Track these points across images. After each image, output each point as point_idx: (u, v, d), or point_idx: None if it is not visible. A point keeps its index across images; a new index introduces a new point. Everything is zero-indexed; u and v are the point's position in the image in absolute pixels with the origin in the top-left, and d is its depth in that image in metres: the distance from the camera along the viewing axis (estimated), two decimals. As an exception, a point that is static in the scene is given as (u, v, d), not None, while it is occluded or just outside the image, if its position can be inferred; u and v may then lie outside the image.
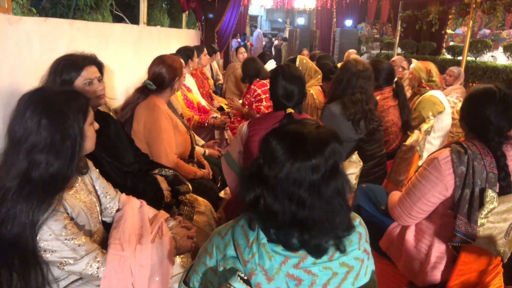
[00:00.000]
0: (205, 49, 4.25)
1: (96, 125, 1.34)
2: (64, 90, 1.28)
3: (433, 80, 2.99)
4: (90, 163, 1.45)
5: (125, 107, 2.23)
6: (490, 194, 1.37)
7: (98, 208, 1.41)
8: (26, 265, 1.14)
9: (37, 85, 1.63)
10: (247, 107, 3.69)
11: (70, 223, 1.21)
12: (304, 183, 0.89)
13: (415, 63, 4.19)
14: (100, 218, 1.43)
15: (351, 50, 5.67)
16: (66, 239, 1.17)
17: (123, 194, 1.56)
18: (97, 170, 1.49)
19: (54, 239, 1.16)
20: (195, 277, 1.05)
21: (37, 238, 1.14)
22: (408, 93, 3.60)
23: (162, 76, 2.17)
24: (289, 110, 1.84)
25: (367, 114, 2.36)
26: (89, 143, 1.30)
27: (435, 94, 2.90)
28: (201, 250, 1.07)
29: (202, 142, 3.01)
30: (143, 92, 2.18)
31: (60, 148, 1.18)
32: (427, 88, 2.98)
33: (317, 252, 0.93)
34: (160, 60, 2.20)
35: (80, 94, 1.29)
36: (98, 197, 1.45)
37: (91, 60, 1.68)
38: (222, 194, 2.46)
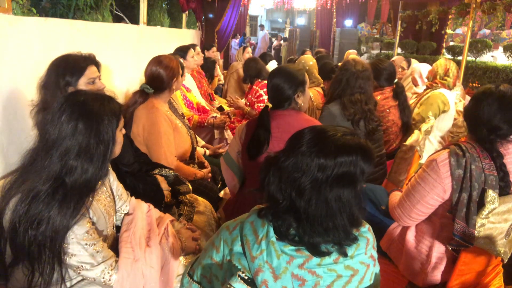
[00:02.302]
0: (190, 51, 3.53)
1: (124, 131, 1.35)
2: (99, 95, 1.28)
3: (447, 79, 2.99)
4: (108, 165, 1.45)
5: (124, 111, 2.21)
6: (491, 194, 1.36)
7: (113, 212, 1.42)
8: (52, 266, 1.15)
9: (36, 86, 1.65)
10: (249, 107, 3.67)
11: (92, 228, 1.21)
12: (308, 175, 0.91)
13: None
14: (114, 222, 1.43)
15: (350, 51, 5.66)
16: (86, 244, 1.18)
17: (133, 198, 1.56)
18: (114, 172, 1.49)
19: (75, 243, 1.16)
20: (199, 270, 1.06)
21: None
22: (409, 93, 3.60)
23: (160, 78, 2.14)
24: (269, 105, 1.86)
25: (366, 114, 2.36)
26: (118, 148, 1.31)
27: (444, 92, 2.91)
28: (208, 244, 1.07)
29: (202, 142, 3.01)
30: (141, 95, 2.15)
31: (94, 153, 1.19)
32: (439, 85, 2.98)
33: (314, 250, 0.93)
34: (156, 61, 2.16)
35: (114, 99, 1.30)
36: (114, 200, 1.45)
37: (92, 60, 1.71)
38: (222, 194, 2.45)
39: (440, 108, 2.84)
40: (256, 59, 4.00)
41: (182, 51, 3.48)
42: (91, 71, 1.67)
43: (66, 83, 1.61)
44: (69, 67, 1.62)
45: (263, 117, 1.83)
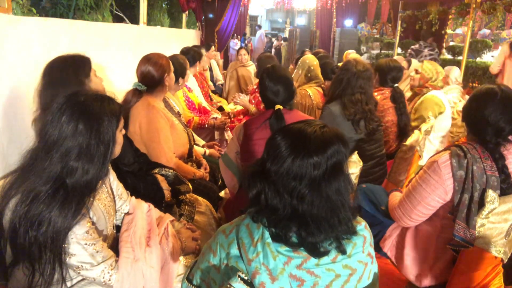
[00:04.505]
0: (203, 50, 4.08)
1: (124, 131, 1.36)
2: (99, 95, 1.28)
3: (436, 81, 3.00)
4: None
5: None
6: (491, 194, 1.36)
7: (113, 211, 1.42)
8: (53, 266, 1.14)
9: (41, 86, 1.64)
10: (254, 106, 3.59)
11: (92, 228, 1.21)
12: (305, 178, 0.91)
13: (415, 62, 4.19)
14: (114, 221, 1.43)
15: (349, 51, 5.67)
16: (86, 244, 1.18)
17: (133, 197, 1.56)
18: (114, 172, 1.49)
19: (75, 243, 1.16)
20: (198, 274, 1.06)
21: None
22: (409, 94, 3.60)
23: (150, 75, 2.16)
24: (278, 106, 1.91)
25: (367, 114, 2.36)
26: (118, 149, 1.31)
27: (437, 94, 2.91)
28: (205, 248, 1.07)
29: (202, 142, 3.00)
30: (135, 94, 2.15)
31: (95, 154, 1.18)
32: (430, 88, 2.98)
33: (314, 251, 0.93)
34: (145, 60, 2.18)
35: (114, 100, 1.30)
36: (114, 199, 1.45)
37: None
38: (222, 194, 2.45)
39: (436, 110, 2.84)
40: (272, 56, 4.01)
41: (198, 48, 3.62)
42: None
43: (85, 78, 1.71)
44: (81, 63, 1.71)
45: (278, 121, 1.87)
